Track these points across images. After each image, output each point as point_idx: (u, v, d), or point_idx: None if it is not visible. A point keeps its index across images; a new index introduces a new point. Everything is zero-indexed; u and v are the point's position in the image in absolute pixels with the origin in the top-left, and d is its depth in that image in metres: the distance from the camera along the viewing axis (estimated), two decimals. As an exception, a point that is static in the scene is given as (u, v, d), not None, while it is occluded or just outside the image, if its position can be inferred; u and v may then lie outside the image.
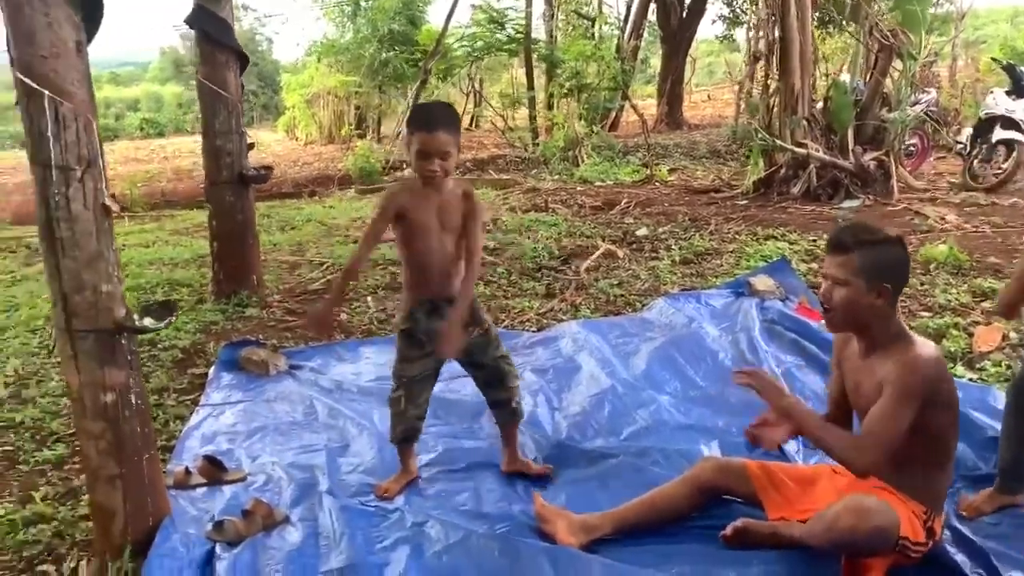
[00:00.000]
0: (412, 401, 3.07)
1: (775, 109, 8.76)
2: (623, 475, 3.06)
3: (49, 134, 2.30)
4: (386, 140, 18.05)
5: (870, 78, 8.73)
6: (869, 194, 8.10)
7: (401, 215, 2.90)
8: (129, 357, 2.54)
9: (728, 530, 2.60)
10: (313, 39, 22.85)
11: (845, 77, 9.66)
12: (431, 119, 2.86)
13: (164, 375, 4.43)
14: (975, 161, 8.56)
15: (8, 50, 2.30)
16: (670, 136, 18.09)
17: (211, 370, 4.39)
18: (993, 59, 10.73)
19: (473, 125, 22.53)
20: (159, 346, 4.82)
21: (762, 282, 4.92)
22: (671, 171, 11.41)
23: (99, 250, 2.42)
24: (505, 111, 16.59)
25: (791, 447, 3.18)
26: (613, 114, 17.80)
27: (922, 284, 5.03)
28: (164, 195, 13.49)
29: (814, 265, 5.65)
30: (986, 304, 4.61)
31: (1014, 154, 8.19)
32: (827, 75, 10.38)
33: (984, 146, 8.44)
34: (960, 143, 9.30)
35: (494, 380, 3.13)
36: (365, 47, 20.07)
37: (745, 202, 8.53)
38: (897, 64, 8.68)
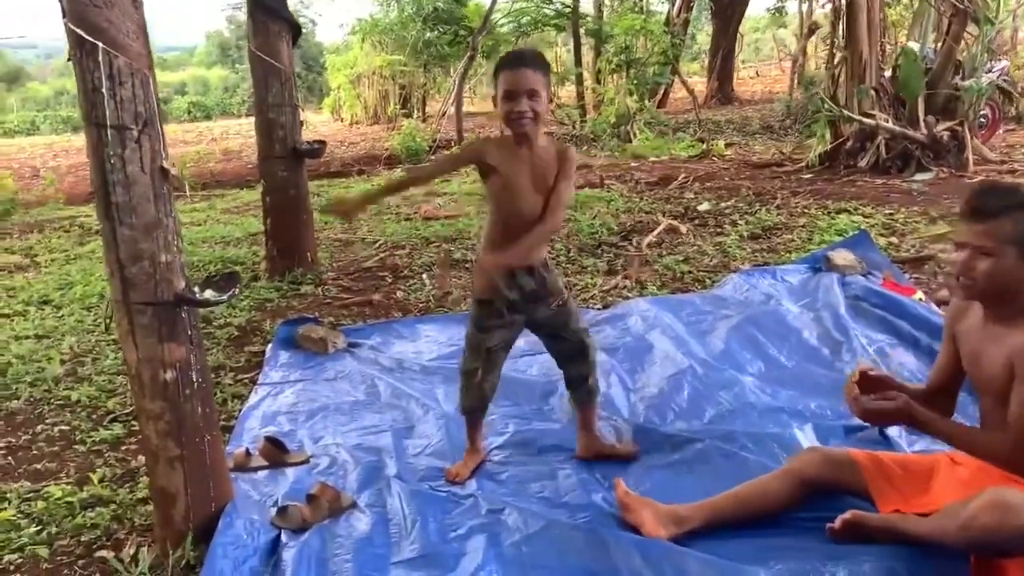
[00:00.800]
0: (488, 372, 2.89)
1: (841, 79, 8.36)
2: (711, 461, 2.83)
3: (104, 90, 2.13)
4: (431, 119, 17.87)
5: (942, 45, 8.29)
6: (943, 166, 7.70)
7: (491, 169, 2.69)
8: (190, 332, 2.38)
9: (837, 523, 2.36)
10: (358, 19, 22.63)
11: (914, 44, 9.20)
12: (516, 57, 2.69)
13: (220, 353, 4.30)
14: (1057, 130, 8.10)
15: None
16: (721, 112, 17.65)
17: (268, 348, 4.25)
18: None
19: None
20: (214, 324, 4.70)
21: (842, 256, 4.64)
22: (727, 146, 11.05)
23: (157, 217, 2.26)
24: (555, 87, 16.25)
25: (893, 431, 2.93)
26: (662, 90, 17.41)
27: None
28: (213, 175, 13.49)
29: (893, 239, 5.34)
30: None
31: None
32: (894, 43, 9.90)
33: (1067, 115, 7.99)
34: (1036, 113, 8.83)
35: (575, 353, 2.94)
36: (409, 26, 19.92)
37: (810, 176, 8.17)
38: (970, 29, 8.22)
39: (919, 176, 7.49)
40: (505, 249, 2.75)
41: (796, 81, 18.39)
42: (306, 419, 3.49)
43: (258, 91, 5.44)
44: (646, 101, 13.84)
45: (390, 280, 5.74)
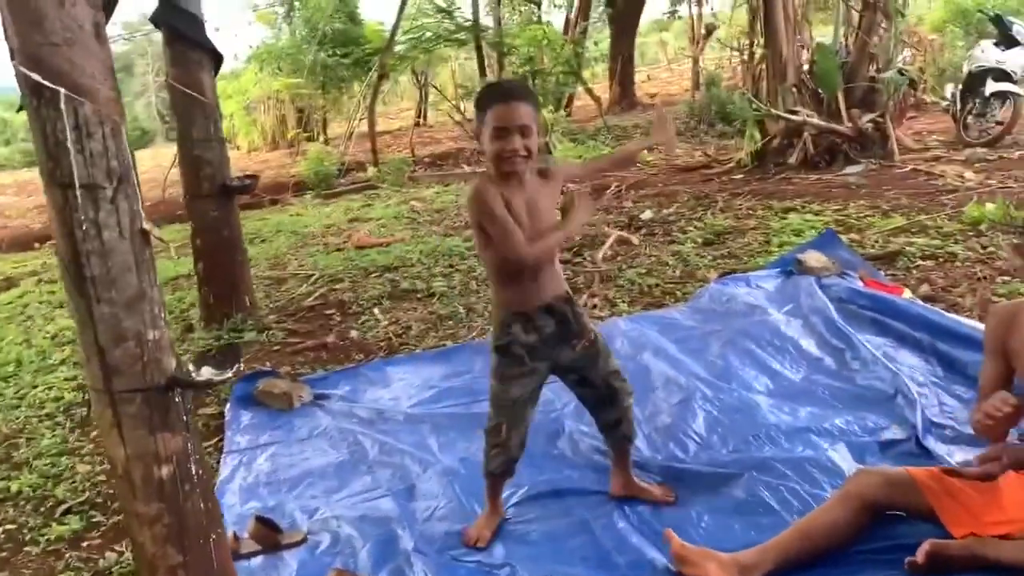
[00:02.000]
0: (515, 428, 2.62)
1: (762, 77, 8.40)
2: (755, 496, 2.64)
3: (69, 144, 1.78)
4: (335, 142, 17.38)
5: (855, 39, 8.44)
6: (870, 158, 7.81)
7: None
8: (185, 418, 2.03)
9: (919, 556, 2.19)
10: (249, 45, 21.96)
11: (822, 39, 9.37)
12: (506, 90, 2.49)
13: (173, 419, 3.88)
14: (969, 116, 8.34)
15: (6, 37, 1.77)
16: (626, 117, 17.73)
17: (226, 409, 3.85)
18: (980, 10, 10.57)
19: (422, 120, 21.97)
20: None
21: (814, 258, 4.55)
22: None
23: (141, 288, 1.91)
24: (460, 102, 16.03)
25: (933, 443, 2.80)
26: (566, 98, 17.41)
27: (985, 247, 4.71)
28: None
29: (853, 235, 5.31)
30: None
31: (1009, 106, 7.98)
32: (807, 39, 10.06)
33: (977, 100, 8.23)
34: (946, 99, 9.09)
35: (605, 400, 2.68)
36: (304, 50, 19.38)
37: (742, 176, 8.18)
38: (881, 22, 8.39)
39: (850, 169, 7.58)
40: (517, 296, 2.50)
41: (696, 82, 18.75)
42: (289, 488, 3.14)
43: (181, 125, 5.02)
44: (560, 111, 13.77)
45: (339, 318, 5.39)
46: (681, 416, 3.23)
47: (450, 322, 4.96)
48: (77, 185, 1.79)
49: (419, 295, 5.65)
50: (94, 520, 3.03)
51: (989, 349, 2.45)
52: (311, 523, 2.85)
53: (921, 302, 3.91)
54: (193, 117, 4.96)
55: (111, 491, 3.24)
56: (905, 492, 2.36)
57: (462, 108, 16.11)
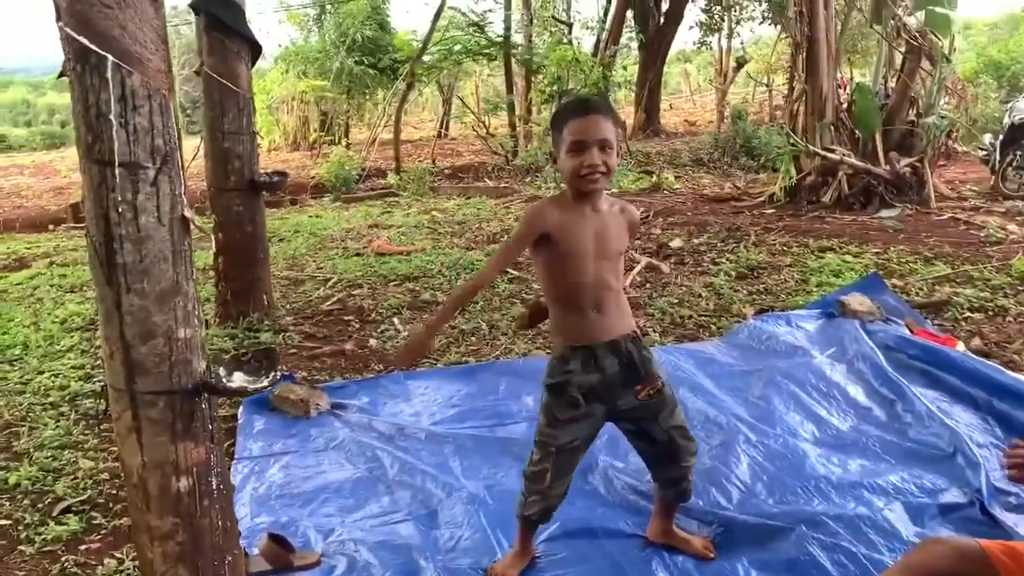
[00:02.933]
0: (560, 476, 2.39)
1: (800, 114, 8.26)
2: (808, 555, 2.44)
3: (112, 116, 1.62)
4: (356, 147, 17.29)
5: (897, 81, 8.29)
6: (906, 202, 7.64)
7: (547, 237, 2.26)
8: (210, 427, 1.85)
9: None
10: (278, 44, 21.93)
11: (860, 79, 9.22)
12: (584, 103, 2.29)
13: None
14: (1009, 168, 8.17)
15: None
16: (649, 144, 17.62)
17: (239, 413, 3.68)
18: (1025, 62, 10.39)
19: (444, 132, 21.91)
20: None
21: (857, 301, 4.36)
22: (677, 178, 10.88)
23: (176, 282, 1.74)
24: (486, 116, 15.95)
25: (1001, 512, 2.60)
26: (594, 121, 17.28)
27: (1040, 304, 4.53)
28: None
29: (895, 281, 5.12)
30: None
31: (1051, 160, 7.83)
32: (847, 78, 9.93)
33: (1018, 153, 8.06)
34: (984, 149, 8.93)
35: (665, 457, 2.45)
36: (332, 54, 19.35)
37: (773, 211, 8.01)
38: (924, 66, 8.25)
39: (885, 212, 7.40)
40: (577, 328, 2.31)
41: (722, 114, 18.65)
42: (303, 504, 2.96)
43: (213, 116, 4.86)
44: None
45: (357, 325, 5.22)
46: (723, 460, 3.04)
47: (473, 338, 4.79)
48: (117, 163, 1.63)
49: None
50: (95, 522, 2.84)
51: None
52: (326, 544, 2.66)
53: (975, 356, 3.71)
54: (226, 108, 4.81)
55: (114, 492, 3.06)
56: (976, 567, 2.15)
57: (487, 122, 16.06)
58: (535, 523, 2.48)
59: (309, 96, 19.32)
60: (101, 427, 3.64)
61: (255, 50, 4.94)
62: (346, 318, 5.38)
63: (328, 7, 21.06)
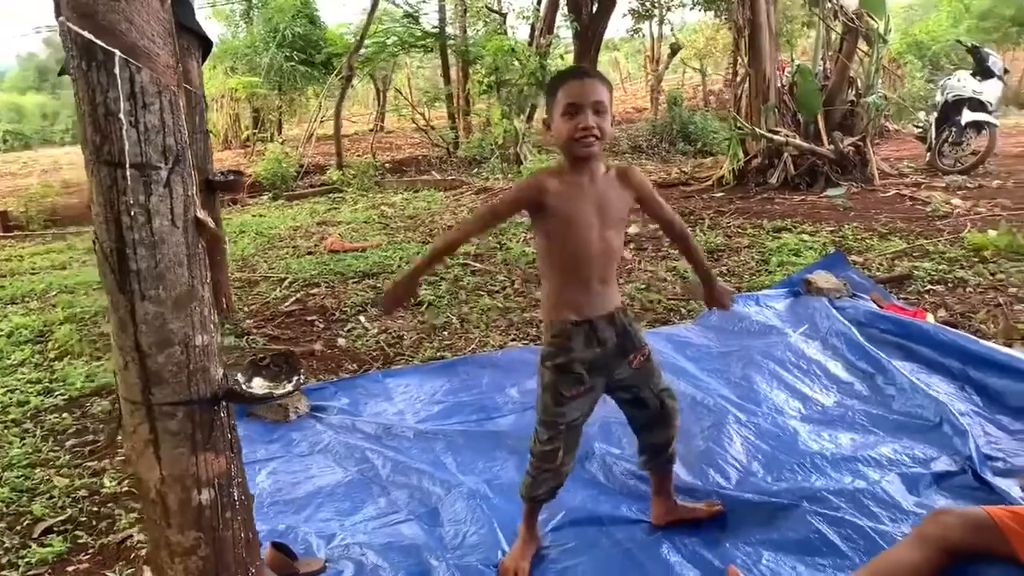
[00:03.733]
0: (570, 451, 2.41)
1: (744, 97, 8.38)
2: (816, 531, 2.46)
3: (122, 115, 1.53)
4: (291, 143, 16.97)
5: (836, 62, 8.47)
6: (851, 181, 7.82)
7: (545, 208, 2.24)
8: (230, 436, 1.78)
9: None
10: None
11: (799, 62, 9.40)
12: (579, 69, 2.31)
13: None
14: (944, 145, 8.42)
15: (53, -10, 1.52)
16: (588, 131, 17.67)
17: (216, 420, 3.56)
18: (958, 41, 10.72)
19: (379, 126, 21.68)
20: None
21: (823, 279, 4.44)
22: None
23: (192, 286, 1.67)
24: (425, 109, 15.82)
25: (995, 478, 2.67)
26: (533, 111, 17.32)
27: (994, 274, 4.66)
28: (56, 211, 12.15)
29: (854, 257, 5.23)
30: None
31: (984, 135, 8.09)
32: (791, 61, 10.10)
33: (953, 129, 8.31)
34: (919, 127, 9.19)
35: (658, 420, 2.48)
36: (262, 49, 18.96)
37: (722, 194, 8.12)
38: (861, 47, 8.46)
39: (832, 191, 7.56)
40: (578, 303, 2.30)
41: (657, 100, 18.84)
42: (298, 510, 2.88)
43: (164, 116, 4.69)
44: (529, 122, 13.65)
45: (322, 325, 5.12)
46: (716, 440, 3.06)
47: (445, 333, 4.73)
48: (128, 164, 1.55)
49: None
50: (80, 541, 2.73)
51: None
52: (329, 550, 2.59)
53: (946, 327, 3.81)
54: (177, 106, 4.65)
55: (96, 509, 2.94)
56: (986, 534, 2.20)
57: (426, 115, 15.93)
58: (542, 503, 2.47)
59: (240, 93, 18.89)
60: (70, 443, 3.50)
61: (205, 46, 4.79)
62: (309, 318, 5.28)
63: (256, 2, 20.64)
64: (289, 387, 1.72)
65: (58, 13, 1.52)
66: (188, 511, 1.74)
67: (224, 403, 1.74)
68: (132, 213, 1.57)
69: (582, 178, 2.24)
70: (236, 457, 1.81)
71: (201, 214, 1.67)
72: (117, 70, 1.52)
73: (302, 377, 1.72)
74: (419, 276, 2.37)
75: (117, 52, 1.51)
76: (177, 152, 1.61)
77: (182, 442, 1.70)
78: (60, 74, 2.35)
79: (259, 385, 1.74)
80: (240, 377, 1.74)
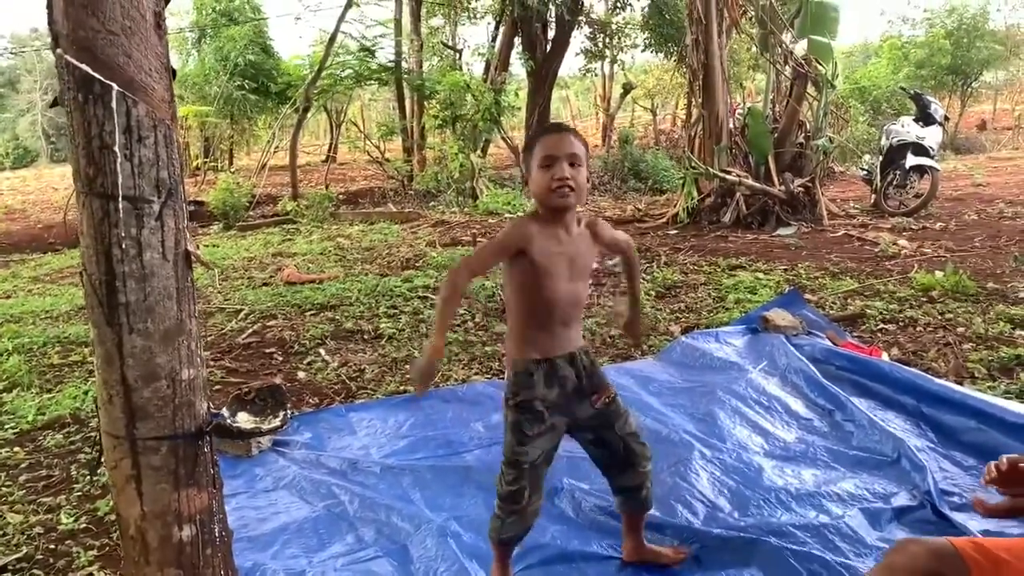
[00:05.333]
0: (536, 492, 2.40)
1: (697, 137, 8.58)
2: (783, 564, 2.51)
3: (117, 148, 1.53)
4: (242, 173, 16.83)
5: (786, 105, 8.74)
6: (801, 221, 8.04)
7: (522, 252, 2.28)
8: (212, 471, 1.77)
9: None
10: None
11: (750, 104, 9.67)
12: (557, 125, 2.41)
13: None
14: (889, 187, 8.72)
15: (50, 22, 1.52)
16: (541, 167, 17.86)
17: (176, 454, 3.49)
18: (902, 87, 11.12)
19: (332, 157, 21.66)
20: (77, 432, 3.84)
21: (780, 316, 4.55)
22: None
23: (180, 319, 1.66)
24: (380, 141, 15.85)
25: (956, 513, 2.75)
26: (488, 145, 17.47)
27: (943, 314, 4.82)
28: (-1, 238, 11.86)
29: (809, 296, 5.37)
30: None
31: (927, 179, 8.40)
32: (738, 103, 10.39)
33: (898, 172, 8.61)
34: (864, 170, 9.50)
35: (622, 463, 2.50)
36: (212, 78, 18.87)
37: (676, 231, 8.27)
38: (809, 91, 8.74)
39: (783, 230, 7.76)
40: (542, 343, 2.34)
41: (610, 138, 19.18)
42: (264, 547, 2.83)
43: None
44: (484, 157, 13.76)
45: (281, 358, 5.06)
46: (683, 476, 3.10)
47: (407, 366, 4.72)
48: (121, 196, 1.54)
49: (365, 336, 5.39)
50: (43, 580, 2.65)
51: None
52: (299, 587, 2.56)
53: (900, 365, 3.93)
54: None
55: (53, 547, 2.86)
56: (951, 565, 2.27)
57: (381, 147, 15.95)
58: (512, 545, 2.47)
59: (191, 122, 18.72)
60: (23, 478, 3.40)
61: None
62: (267, 351, 5.22)
63: (208, 31, 20.54)
64: (277, 422, 1.71)
65: (56, 45, 1.51)
66: (168, 548, 1.71)
67: (208, 438, 1.73)
68: (123, 246, 1.56)
69: (558, 230, 2.30)
70: (218, 492, 1.79)
71: (191, 247, 1.67)
72: (114, 104, 1.52)
73: (290, 411, 1.72)
74: (440, 352, 2.35)
75: (115, 86, 1.51)
76: (170, 185, 1.61)
77: (165, 477, 1.68)
78: (52, 105, 2.33)
79: (245, 419, 1.72)
80: (225, 412, 1.73)
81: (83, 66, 1.49)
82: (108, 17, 1.49)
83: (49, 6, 1.51)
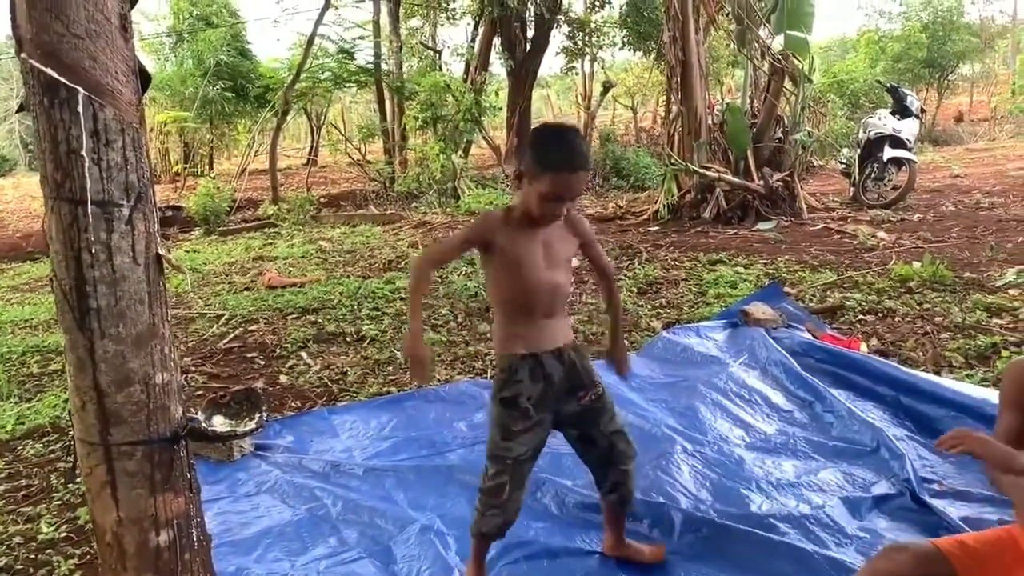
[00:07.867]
0: (518, 488, 2.40)
1: (676, 134, 8.61)
2: (764, 555, 2.53)
3: (85, 153, 1.52)
4: (222, 178, 16.73)
5: (764, 101, 8.78)
6: (780, 215, 8.08)
7: (492, 245, 2.28)
8: (189, 475, 1.76)
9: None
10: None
11: (730, 100, 9.72)
12: (576, 156, 2.19)
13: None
14: (867, 180, 8.78)
15: (14, 27, 1.51)
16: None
17: (157, 460, 3.47)
18: (878, 81, 11.20)
19: (313, 160, 21.62)
20: (57, 441, 3.82)
21: (760, 310, 4.58)
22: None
23: (152, 324, 1.65)
24: (361, 143, 15.80)
25: (935, 500, 2.78)
26: (469, 146, 17.45)
27: (920, 304, 4.86)
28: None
29: (789, 289, 5.40)
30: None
31: (905, 171, 8.46)
32: (717, 99, 10.43)
33: (876, 165, 8.67)
34: (842, 163, 9.55)
35: (606, 460, 2.50)
36: (188, 81, 18.75)
37: (657, 228, 8.30)
38: (787, 86, 8.78)
39: (762, 225, 7.80)
40: (526, 338, 2.34)
41: (591, 136, 19.17)
42: (247, 551, 2.83)
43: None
44: (462, 157, 13.74)
45: (262, 362, 5.05)
46: (665, 470, 3.12)
47: (389, 368, 4.71)
48: (90, 201, 1.54)
49: (348, 339, 5.37)
50: (21, 591, 2.63)
51: (1006, 402, 2.44)
52: (282, 590, 2.55)
53: (878, 357, 3.96)
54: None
55: (32, 556, 2.84)
56: (936, 566, 2.29)
57: (362, 149, 15.91)
58: (491, 539, 2.47)
59: (170, 127, 18.60)
60: (0, 488, 3.38)
61: (144, 79, 4.71)
62: (249, 355, 5.20)
63: (185, 36, 20.41)
64: (252, 424, 1.71)
65: (20, 50, 1.50)
66: (146, 553, 1.71)
67: (183, 442, 1.72)
68: (93, 250, 1.56)
69: (532, 227, 2.29)
70: (195, 497, 1.78)
71: (162, 250, 1.66)
72: (80, 108, 1.51)
73: (265, 414, 1.71)
74: (420, 332, 2.35)
75: (80, 90, 1.50)
76: (139, 189, 1.60)
77: (140, 483, 1.67)
78: (19, 110, 2.34)
79: (220, 423, 1.72)
80: (200, 415, 1.73)
81: (48, 70, 1.49)
82: (72, 20, 1.49)
83: (12, 10, 1.50)
